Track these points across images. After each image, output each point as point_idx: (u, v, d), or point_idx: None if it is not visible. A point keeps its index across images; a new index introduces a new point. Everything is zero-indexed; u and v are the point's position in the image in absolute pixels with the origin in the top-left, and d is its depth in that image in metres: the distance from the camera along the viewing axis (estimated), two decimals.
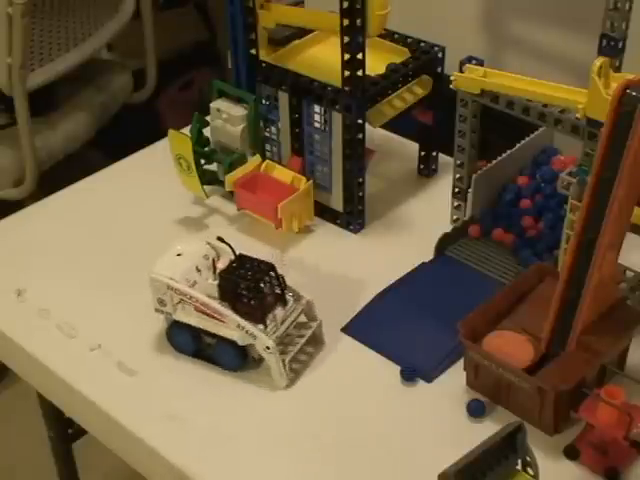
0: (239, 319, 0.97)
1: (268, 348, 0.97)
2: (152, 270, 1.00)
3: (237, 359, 1.00)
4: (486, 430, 0.82)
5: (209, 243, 1.04)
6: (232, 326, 0.98)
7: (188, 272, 1.01)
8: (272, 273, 0.99)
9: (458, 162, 1.15)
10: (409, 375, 0.99)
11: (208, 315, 0.99)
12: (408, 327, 1.06)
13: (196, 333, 1.01)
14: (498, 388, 0.95)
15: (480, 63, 1.06)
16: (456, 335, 0.96)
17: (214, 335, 1.00)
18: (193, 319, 1.00)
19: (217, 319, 0.99)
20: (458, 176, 1.15)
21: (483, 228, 1.16)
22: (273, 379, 0.99)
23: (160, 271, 1.00)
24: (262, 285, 0.98)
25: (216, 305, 0.98)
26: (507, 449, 0.77)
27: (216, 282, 1.00)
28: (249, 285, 0.97)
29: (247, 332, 0.97)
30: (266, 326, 0.98)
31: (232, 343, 0.99)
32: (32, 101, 1.74)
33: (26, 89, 1.72)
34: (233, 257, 1.02)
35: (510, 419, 0.85)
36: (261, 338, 0.97)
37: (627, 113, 0.84)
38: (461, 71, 1.06)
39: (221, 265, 1.02)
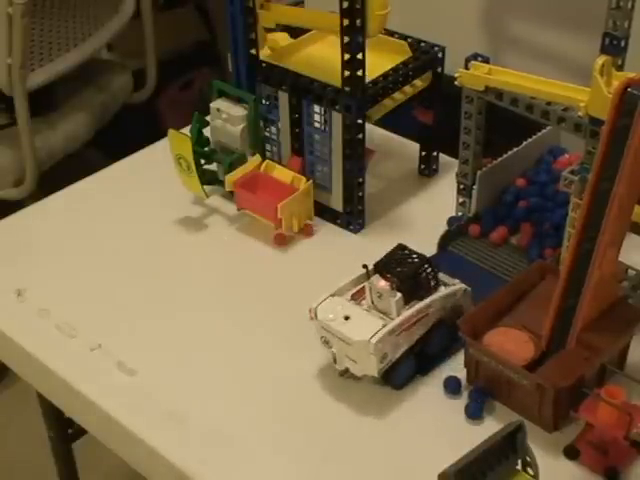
0: (440, 293, 0.99)
1: (466, 290, 1.01)
2: (366, 344, 0.93)
3: (452, 335, 0.99)
4: (486, 430, 0.82)
5: (334, 295, 0.99)
6: (438, 307, 0.99)
7: (377, 316, 0.97)
8: (426, 266, 0.99)
9: (463, 159, 1.15)
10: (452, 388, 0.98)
11: (410, 326, 0.97)
12: None
13: (413, 350, 0.99)
14: (498, 385, 0.95)
15: (486, 60, 1.07)
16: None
17: (422, 337, 0.99)
18: (405, 342, 0.98)
19: (419, 320, 0.98)
20: (463, 173, 1.16)
21: (484, 227, 1.16)
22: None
23: (367, 335, 0.93)
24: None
25: (418, 306, 0.97)
26: (507, 449, 0.77)
27: (394, 298, 0.96)
28: (416, 268, 0.97)
29: (449, 296, 0.99)
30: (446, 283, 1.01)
31: (443, 323, 1.00)
32: (32, 101, 1.74)
33: (26, 89, 1.72)
34: (371, 274, 0.99)
35: (510, 418, 0.84)
36: (459, 287, 1.00)
37: (628, 111, 0.84)
38: (466, 68, 1.07)
39: (382, 283, 0.97)
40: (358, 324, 0.96)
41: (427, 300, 0.98)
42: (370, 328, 0.94)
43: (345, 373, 1.00)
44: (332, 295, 0.99)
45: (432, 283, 0.99)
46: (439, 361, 1.01)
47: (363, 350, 0.94)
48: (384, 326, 0.95)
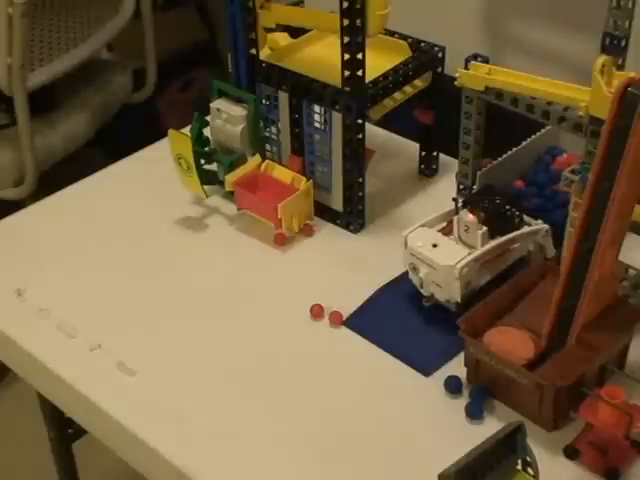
0: (523, 230, 1.03)
1: (547, 230, 1.04)
2: (452, 269, 0.99)
3: None
4: (486, 430, 0.82)
5: (424, 225, 1.05)
6: (520, 244, 1.03)
7: (463, 247, 1.02)
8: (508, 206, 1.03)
9: (463, 159, 1.15)
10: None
11: (494, 258, 1.02)
12: (408, 321, 1.06)
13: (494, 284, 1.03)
14: (498, 384, 0.95)
15: (486, 60, 1.07)
16: (456, 330, 0.97)
17: (504, 272, 1.04)
18: (489, 273, 1.03)
19: (502, 254, 1.02)
20: (463, 173, 1.16)
21: None
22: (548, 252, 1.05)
23: (453, 261, 0.99)
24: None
25: (502, 239, 1.02)
26: (507, 449, 0.77)
27: (480, 231, 1.01)
28: (502, 205, 1.02)
29: (531, 234, 1.03)
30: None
31: (525, 262, 1.05)
32: (32, 101, 1.74)
33: (26, 89, 1.72)
34: (462, 208, 1.04)
35: (510, 418, 0.85)
36: (541, 227, 1.04)
37: (628, 111, 0.84)
38: (466, 68, 1.07)
39: (470, 216, 1.02)
40: (445, 251, 1.02)
41: (510, 235, 1.02)
42: (456, 255, 1.00)
43: (430, 300, 1.04)
44: (422, 225, 1.05)
45: (516, 221, 1.03)
46: None
47: (449, 275, 1.00)
48: (470, 254, 1.00)
